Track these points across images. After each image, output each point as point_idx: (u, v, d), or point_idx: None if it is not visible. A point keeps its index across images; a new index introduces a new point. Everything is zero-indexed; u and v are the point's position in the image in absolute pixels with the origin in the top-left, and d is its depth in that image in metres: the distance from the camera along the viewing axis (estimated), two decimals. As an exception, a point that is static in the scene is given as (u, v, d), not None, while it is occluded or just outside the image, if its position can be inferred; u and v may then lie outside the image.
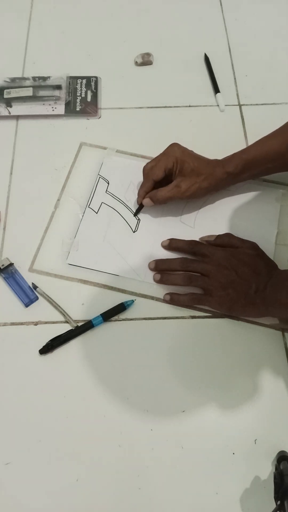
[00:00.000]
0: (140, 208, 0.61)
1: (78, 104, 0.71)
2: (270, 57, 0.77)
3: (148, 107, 0.72)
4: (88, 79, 0.74)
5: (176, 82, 0.74)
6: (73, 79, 0.73)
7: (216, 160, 0.59)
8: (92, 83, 0.73)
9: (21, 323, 0.55)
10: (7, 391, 0.52)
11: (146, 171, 0.59)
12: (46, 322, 0.55)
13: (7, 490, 0.47)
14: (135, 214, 0.62)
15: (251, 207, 0.63)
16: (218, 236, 0.58)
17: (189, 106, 0.72)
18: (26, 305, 0.56)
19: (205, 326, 0.55)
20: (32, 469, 0.48)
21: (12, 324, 0.55)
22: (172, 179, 0.59)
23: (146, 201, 0.59)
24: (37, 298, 0.56)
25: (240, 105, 0.72)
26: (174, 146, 0.58)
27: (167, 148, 0.59)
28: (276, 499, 0.43)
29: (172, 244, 0.59)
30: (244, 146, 0.61)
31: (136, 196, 0.62)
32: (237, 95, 0.73)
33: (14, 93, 0.70)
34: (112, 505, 0.47)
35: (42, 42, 0.78)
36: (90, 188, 0.64)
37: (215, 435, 0.50)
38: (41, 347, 0.53)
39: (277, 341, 0.55)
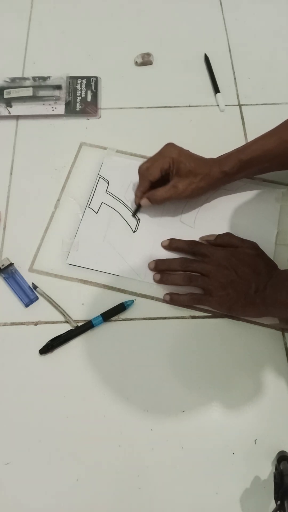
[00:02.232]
0: (138, 208, 0.61)
1: (78, 104, 0.71)
2: (270, 57, 0.77)
3: (148, 107, 0.72)
4: (88, 79, 0.74)
5: (176, 82, 0.74)
6: (73, 79, 0.73)
7: (212, 159, 0.59)
8: (92, 83, 0.73)
9: (21, 323, 0.55)
10: (7, 391, 0.52)
11: (142, 171, 0.59)
12: (46, 322, 0.55)
13: (7, 490, 0.47)
14: (134, 214, 0.62)
15: (251, 207, 0.63)
16: (218, 236, 0.58)
17: (189, 106, 0.72)
18: (26, 305, 0.56)
19: (205, 326, 0.55)
20: (32, 469, 0.48)
21: (12, 324, 0.55)
22: (169, 179, 0.59)
23: (144, 201, 0.59)
24: (37, 298, 0.56)
25: (240, 105, 0.72)
26: (170, 147, 0.58)
27: (162, 148, 0.59)
28: (276, 499, 0.43)
29: (172, 244, 0.59)
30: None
31: (136, 196, 0.62)
32: (237, 95, 0.73)
33: (14, 93, 0.70)
34: (112, 505, 0.47)
35: (42, 42, 0.78)
36: (90, 188, 0.64)
37: (215, 435, 0.50)
38: (41, 347, 0.53)
39: (277, 341, 0.55)
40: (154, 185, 0.59)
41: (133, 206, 0.62)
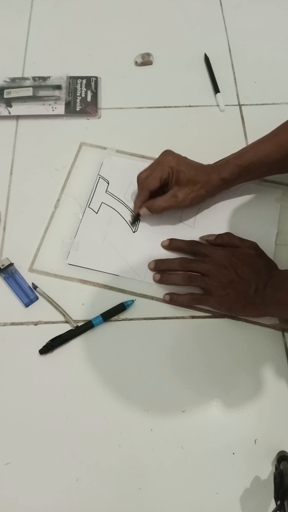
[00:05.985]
0: (137, 217, 0.61)
1: (78, 104, 0.71)
2: (270, 57, 0.77)
3: (148, 107, 0.72)
4: (88, 79, 0.74)
5: (176, 82, 0.74)
6: (73, 79, 0.73)
7: (211, 166, 0.59)
8: (92, 83, 0.73)
9: (21, 323, 0.55)
10: (7, 391, 0.52)
11: (141, 180, 0.59)
12: (46, 322, 0.55)
13: (7, 490, 0.47)
14: (132, 223, 0.61)
15: (251, 207, 0.63)
16: (218, 236, 0.58)
17: (189, 106, 0.72)
18: (26, 305, 0.56)
19: (205, 326, 0.55)
20: (32, 469, 0.48)
21: (12, 324, 0.55)
22: (168, 188, 0.58)
23: (143, 211, 0.59)
24: (37, 298, 0.56)
25: (240, 105, 0.72)
26: (168, 155, 0.58)
27: (160, 156, 0.58)
28: (276, 499, 0.43)
29: (172, 244, 0.59)
30: (244, 146, 0.61)
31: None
32: (237, 95, 0.73)
33: (14, 93, 0.70)
34: (112, 505, 0.47)
35: (42, 42, 0.78)
36: (90, 188, 0.64)
37: (215, 435, 0.50)
38: (41, 347, 0.53)
39: (277, 341, 0.55)
40: (153, 194, 0.59)
41: (132, 212, 0.62)
